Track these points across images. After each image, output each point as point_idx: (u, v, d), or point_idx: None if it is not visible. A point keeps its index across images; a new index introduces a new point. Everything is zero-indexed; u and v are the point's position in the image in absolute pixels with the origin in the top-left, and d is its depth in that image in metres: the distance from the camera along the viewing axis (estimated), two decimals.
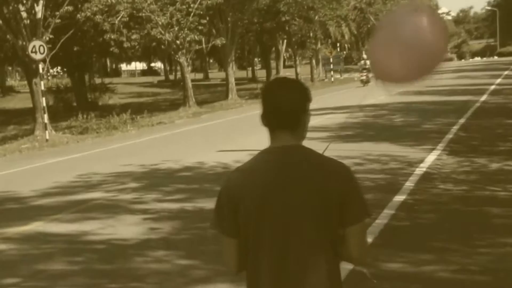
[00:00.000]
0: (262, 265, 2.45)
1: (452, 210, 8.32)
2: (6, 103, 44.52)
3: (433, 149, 13.05)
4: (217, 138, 17.91)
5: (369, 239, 6.54)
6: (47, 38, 22.15)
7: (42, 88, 21.55)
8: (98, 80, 53.69)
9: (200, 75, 70.68)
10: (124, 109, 29.46)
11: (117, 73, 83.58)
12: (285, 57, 65.33)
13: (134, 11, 28.28)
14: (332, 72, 51.78)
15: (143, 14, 28.60)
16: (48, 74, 52.10)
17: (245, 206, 2.44)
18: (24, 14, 21.75)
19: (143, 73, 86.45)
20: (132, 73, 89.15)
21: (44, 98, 21.69)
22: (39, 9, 21.53)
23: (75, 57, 35.16)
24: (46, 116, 21.56)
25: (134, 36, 28.42)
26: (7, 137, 25.96)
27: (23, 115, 33.15)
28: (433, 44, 3.07)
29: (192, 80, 60.24)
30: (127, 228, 8.22)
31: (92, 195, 10.64)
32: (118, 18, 27.28)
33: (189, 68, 36.81)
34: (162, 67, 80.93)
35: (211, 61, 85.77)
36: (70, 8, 23.05)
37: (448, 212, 8.23)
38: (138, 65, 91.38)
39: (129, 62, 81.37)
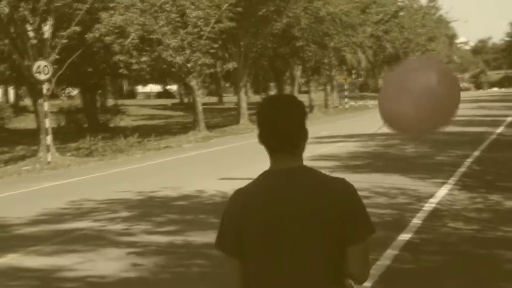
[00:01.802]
0: (262, 285, 2.45)
1: (460, 252, 7.71)
2: (18, 123, 44.33)
3: (445, 183, 12.46)
4: (222, 165, 17.39)
5: (368, 283, 5.95)
6: (54, 59, 21.79)
7: (46, 109, 21.12)
8: (112, 102, 53.60)
9: (214, 99, 70.48)
10: (135, 132, 29.14)
11: (132, 95, 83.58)
12: (301, 83, 64.99)
13: (145, 33, 28.01)
14: (346, 99, 51.29)
15: (154, 37, 28.32)
16: (63, 94, 52.15)
17: (246, 228, 2.44)
18: (31, 34, 21.44)
19: (159, 95, 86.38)
20: (147, 95, 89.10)
21: (47, 119, 21.24)
22: (46, 29, 21.23)
23: (87, 78, 34.96)
24: (49, 138, 21.11)
25: (143, 59, 28.11)
26: (14, 157, 25.66)
27: (33, 136, 32.83)
28: (445, 97, 3.05)
29: (206, 104, 60.46)
30: (107, 264, 7.63)
31: (79, 224, 10.07)
32: (128, 40, 26.98)
33: (200, 92, 36.45)
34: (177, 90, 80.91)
35: (227, 85, 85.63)
36: (78, 28, 22.72)
37: (457, 254, 7.61)
38: (154, 87, 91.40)
39: (144, 84, 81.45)
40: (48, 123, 21.25)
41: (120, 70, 28.62)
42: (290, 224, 2.40)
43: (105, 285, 6.84)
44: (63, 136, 31.76)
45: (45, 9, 21.46)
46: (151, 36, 28.36)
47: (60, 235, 9.36)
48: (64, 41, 22.19)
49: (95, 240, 8.90)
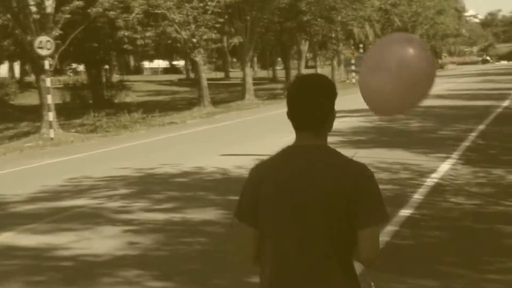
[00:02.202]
0: (272, 256, 2.52)
1: (461, 227, 7.62)
2: (23, 99, 44.24)
3: (448, 157, 12.34)
4: (224, 141, 17.25)
5: None
6: (57, 34, 21.59)
7: (48, 85, 20.99)
8: (119, 78, 53.36)
9: (221, 74, 70.17)
10: (140, 107, 29.01)
11: (139, 70, 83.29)
12: (308, 58, 64.47)
13: (150, 8, 27.76)
14: (353, 74, 50.93)
15: (159, 11, 28.06)
16: (70, 70, 51.99)
17: (264, 199, 2.51)
18: (33, 9, 21.21)
19: (166, 71, 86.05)
20: (154, 71, 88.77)
21: (49, 96, 21.12)
22: (49, 4, 20.98)
23: (92, 53, 34.77)
24: (51, 114, 21.01)
25: (148, 34, 27.86)
26: (18, 134, 25.65)
27: (38, 112, 32.71)
28: (421, 72, 3.07)
29: (213, 79, 60.19)
30: (103, 242, 7.54)
31: (77, 202, 9.96)
32: (133, 15, 26.74)
33: (207, 67, 36.23)
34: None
35: (234, 60, 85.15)
36: (81, 3, 22.45)
37: (457, 229, 7.53)
38: (161, 63, 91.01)
39: (151, 60, 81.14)
40: (50, 99, 21.14)
41: (125, 46, 28.37)
42: (304, 199, 2.46)
43: (100, 264, 6.75)
44: (68, 112, 31.74)
45: None
46: (156, 11, 28.11)
47: (57, 213, 9.26)
48: (67, 16, 21.95)
49: (92, 218, 8.80)
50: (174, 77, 69.00)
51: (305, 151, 2.51)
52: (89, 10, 24.38)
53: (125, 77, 59.47)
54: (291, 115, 2.55)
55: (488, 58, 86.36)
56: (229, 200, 9.54)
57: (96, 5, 24.60)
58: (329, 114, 2.54)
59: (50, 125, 20.89)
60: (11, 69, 57.45)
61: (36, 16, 21.36)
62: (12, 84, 43.38)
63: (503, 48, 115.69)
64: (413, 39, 3.20)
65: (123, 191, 10.66)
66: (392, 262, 6.08)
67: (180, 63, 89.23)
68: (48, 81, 20.88)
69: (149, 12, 27.90)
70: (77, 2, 22.05)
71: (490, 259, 6.37)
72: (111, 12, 25.99)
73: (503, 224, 7.68)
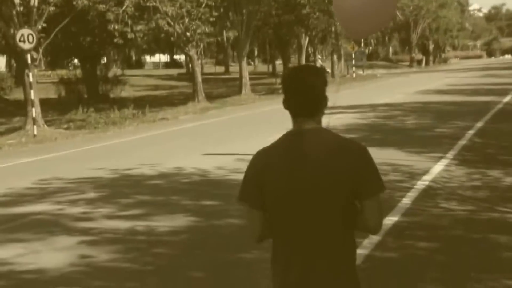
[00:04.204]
0: (282, 235, 2.70)
1: (451, 237, 6.98)
2: (19, 93, 43.57)
3: (442, 157, 11.68)
4: (211, 139, 16.58)
5: None
6: (39, 27, 20.88)
7: (31, 79, 20.28)
8: (119, 72, 52.67)
9: (222, 69, 69.58)
10: (136, 102, 28.39)
11: (140, 64, 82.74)
12: (310, 52, 63.79)
13: (141, 1, 27.02)
14: (354, 68, 50.20)
15: (151, 4, 27.33)
16: (70, 64, 51.33)
17: (268, 181, 2.67)
18: (17, 0, 20.45)
19: (167, 65, 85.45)
20: (156, 65, 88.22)
21: (32, 91, 20.41)
22: None
23: (86, 48, 34.05)
24: (34, 110, 20.32)
25: (139, 27, 27.13)
26: (10, 129, 24.98)
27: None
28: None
29: (213, 74, 59.53)
30: (53, 255, 6.83)
31: (37, 207, 9.24)
32: (123, 8, 26.02)
33: (204, 61, 35.56)
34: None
35: (235, 54, 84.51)
36: None
37: (447, 240, 6.89)
38: (163, 57, 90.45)
39: (153, 54, 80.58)
40: (33, 94, 20.43)
41: (115, 40, 27.62)
42: (308, 179, 2.63)
43: (42, 283, 6.05)
44: (63, 107, 31.10)
45: None
46: (147, 4, 27.38)
47: (11, 221, 8.57)
48: (52, 8, 21.21)
49: (47, 227, 8.09)
50: (174, 71, 68.36)
51: (305, 135, 2.67)
52: (74, 3, 23.62)
53: (126, 71, 58.77)
54: (288, 103, 2.71)
55: None
56: (202, 205, 8.90)
57: None
58: (323, 100, 2.74)
59: (34, 121, 20.22)
60: (9, 63, 56.78)
61: (20, 9, 20.59)
62: (8, 78, 42.67)
63: (507, 42, 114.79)
64: None
65: (90, 195, 9.95)
66: (370, 278, 5.40)
67: (182, 57, 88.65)
68: (31, 76, 20.17)
69: (141, 5, 27.13)
70: None
71: (480, 276, 5.74)
72: (101, 5, 25.24)
73: (497, 234, 7.02)
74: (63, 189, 10.58)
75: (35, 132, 19.74)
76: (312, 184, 2.62)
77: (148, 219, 8.18)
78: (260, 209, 2.73)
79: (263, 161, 2.72)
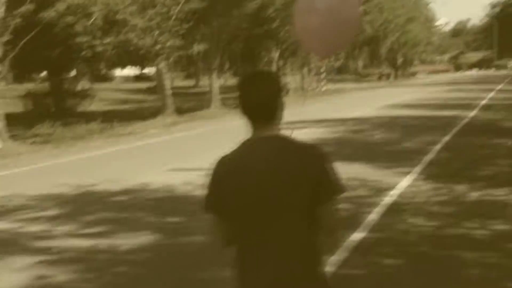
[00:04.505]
0: (247, 240, 2.74)
1: (418, 253, 6.93)
2: None
3: (409, 172, 11.67)
4: (179, 153, 16.42)
5: None
6: (5, 40, 20.56)
7: None
8: (88, 85, 52.12)
9: (192, 82, 69.41)
10: (104, 117, 28.04)
11: (110, 78, 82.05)
12: (280, 66, 63.85)
13: (110, 13, 26.83)
14: (324, 82, 50.40)
15: (120, 17, 27.14)
16: (37, 78, 50.68)
17: (230, 188, 2.72)
18: None
19: (137, 79, 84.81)
20: (126, 79, 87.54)
21: None
22: None
23: (53, 61, 33.66)
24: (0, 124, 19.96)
25: (107, 40, 26.91)
26: None
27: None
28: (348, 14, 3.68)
29: (183, 87, 59.23)
30: (8, 277, 6.59)
31: None
32: (91, 20, 25.80)
33: (175, 75, 35.41)
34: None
35: (206, 67, 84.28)
36: (32, 6, 21.34)
37: (413, 256, 6.83)
38: (133, 71, 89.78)
39: (122, 67, 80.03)
40: None
41: (83, 52, 27.33)
42: (272, 185, 2.67)
43: None
44: (29, 121, 30.65)
45: None
46: (116, 17, 27.18)
47: None
48: (18, 20, 20.91)
49: (4, 246, 7.84)
50: (144, 85, 67.97)
51: (263, 141, 2.72)
52: (40, 15, 23.33)
53: (95, 85, 58.28)
54: (245, 109, 2.74)
55: (510, 65, 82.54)
56: (168, 222, 8.75)
57: (50, 9, 23.46)
58: (279, 105, 2.76)
59: None
60: None
61: None
62: None
63: (473, 56, 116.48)
64: None
65: (52, 212, 9.69)
66: None
67: (152, 70, 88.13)
68: None
69: (110, 17, 26.94)
70: (28, 6, 20.93)
71: None
72: (69, 17, 24.97)
73: (463, 250, 7.01)
74: (24, 206, 10.30)
75: (0, 146, 19.37)
76: (273, 189, 2.67)
77: (111, 237, 8.00)
78: (225, 216, 2.77)
79: (224, 168, 2.76)
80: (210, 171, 2.78)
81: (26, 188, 11.94)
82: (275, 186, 2.67)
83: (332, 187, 2.72)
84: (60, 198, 10.81)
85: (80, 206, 10.08)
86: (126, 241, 7.77)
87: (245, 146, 2.77)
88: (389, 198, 9.58)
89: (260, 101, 2.72)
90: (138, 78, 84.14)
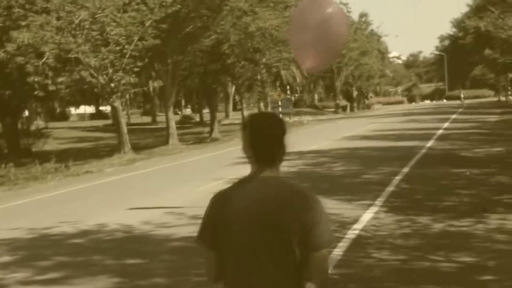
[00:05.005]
0: (235, 276, 2.76)
1: None
2: None
3: (371, 204, 11.61)
4: (137, 191, 16.09)
5: None
6: None
7: None
8: (43, 124, 51.28)
9: (148, 119, 69.02)
10: (60, 156, 27.49)
11: (65, 116, 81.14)
12: (237, 100, 63.97)
13: (62, 52, 26.43)
14: (280, 116, 50.56)
15: (72, 56, 26.78)
16: None
17: (223, 223, 2.76)
18: None
19: (92, 116, 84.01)
20: (82, 117, 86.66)
21: None
22: None
23: (6, 101, 33.03)
24: None
25: (60, 79, 26.48)
26: None
27: None
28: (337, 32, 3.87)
29: (139, 124, 58.80)
30: None
31: None
32: (43, 60, 25.38)
33: (131, 112, 35.09)
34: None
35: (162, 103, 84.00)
36: None
37: None
38: (88, 109, 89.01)
39: (77, 105, 79.29)
40: None
41: (36, 92, 26.84)
42: (259, 227, 2.70)
43: None
44: None
45: None
46: (69, 56, 26.81)
47: None
48: None
49: None
50: (100, 122, 67.27)
51: (262, 182, 2.74)
52: None
53: (50, 124, 57.39)
54: (248, 150, 2.78)
55: (462, 95, 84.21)
56: (126, 265, 8.43)
57: (0, 50, 23.05)
58: (282, 148, 2.80)
59: None
60: None
61: None
62: None
63: (426, 88, 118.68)
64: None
65: (4, 258, 9.26)
66: None
67: (108, 108, 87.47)
68: None
69: (62, 56, 26.54)
70: None
71: None
72: (20, 58, 24.53)
73: (429, 284, 6.91)
74: None
75: None
76: (264, 231, 2.69)
77: (67, 283, 7.67)
78: (216, 250, 2.79)
79: (221, 203, 2.78)
80: (208, 204, 2.82)
81: None
82: (265, 230, 2.69)
83: (324, 236, 2.69)
84: (13, 243, 10.37)
85: (35, 250, 9.67)
86: (83, 286, 7.45)
87: (243, 184, 2.80)
88: (352, 232, 9.46)
89: (270, 143, 2.77)
90: (95, 115, 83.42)
